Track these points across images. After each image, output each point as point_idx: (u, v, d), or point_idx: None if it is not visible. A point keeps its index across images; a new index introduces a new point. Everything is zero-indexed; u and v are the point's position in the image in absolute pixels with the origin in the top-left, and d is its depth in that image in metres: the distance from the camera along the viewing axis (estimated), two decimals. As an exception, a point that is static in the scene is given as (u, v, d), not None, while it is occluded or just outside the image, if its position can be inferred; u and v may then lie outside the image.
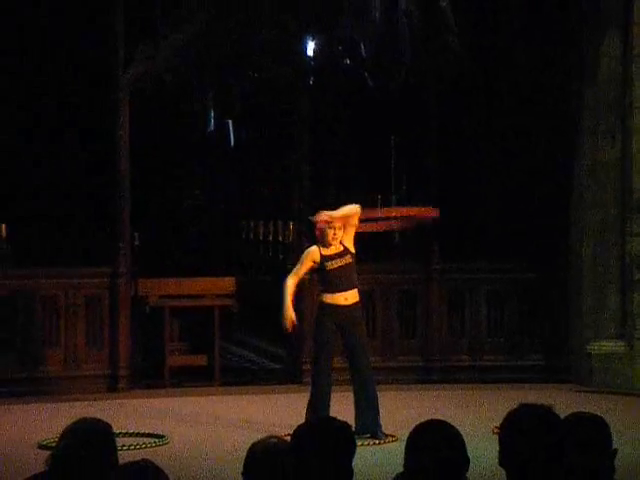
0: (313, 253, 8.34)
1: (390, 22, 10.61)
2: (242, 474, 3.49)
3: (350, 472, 3.39)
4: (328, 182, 12.20)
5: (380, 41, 10.73)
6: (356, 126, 12.04)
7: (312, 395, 8.27)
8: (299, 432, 3.52)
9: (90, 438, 3.44)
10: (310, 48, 11.14)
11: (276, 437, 3.54)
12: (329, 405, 8.20)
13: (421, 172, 11.25)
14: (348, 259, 8.31)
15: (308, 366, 10.69)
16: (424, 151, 11.13)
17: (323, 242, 8.32)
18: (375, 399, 8.26)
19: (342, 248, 8.33)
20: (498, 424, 9.59)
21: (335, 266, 8.29)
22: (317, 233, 8.39)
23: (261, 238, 13.76)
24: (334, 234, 8.27)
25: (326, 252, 8.31)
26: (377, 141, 12.07)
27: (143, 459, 3.18)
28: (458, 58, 10.62)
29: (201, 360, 10.91)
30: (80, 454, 3.40)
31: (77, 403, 9.66)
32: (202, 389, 10.53)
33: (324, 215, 8.32)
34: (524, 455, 3.17)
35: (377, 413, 8.24)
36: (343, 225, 8.28)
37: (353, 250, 8.34)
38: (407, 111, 11.33)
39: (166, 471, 3.28)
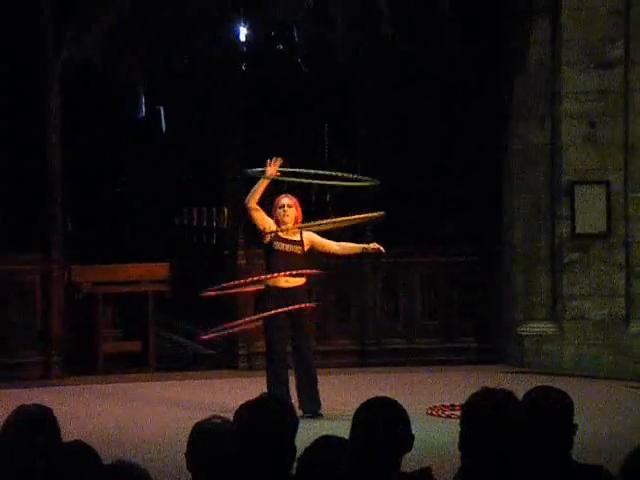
0: (271, 222, 8.40)
1: (323, 6, 10.62)
2: (185, 454, 3.50)
3: (293, 449, 3.41)
4: (262, 166, 12.17)
5: (312, 25, 10.74)
6: (289, 111, 12.04)
7: (268, 382, 8.29)
8: (240, 411, 3.54)
9: (33, 424, 3.44)
10: (242, 33, 11.10)
11: (219, 417, 3.56)
12: (288, 389, 8.22)
13: (354, 159, 11.30)
14: (297, 250, 8.37)
15: (243, 351, 10.73)
16: (357, 138, 11.18)
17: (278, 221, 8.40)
18: (315, 380, 8.36)
19: (298, 238, 8.41)
20: (432, 405, 9.71)
21: (282, 249, 8.35)
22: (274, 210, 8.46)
23: (195, 224, 13.73)
24: (284, 214, 8.35)
25: (282, 234, 8.38)
26: (311, 128, 12.09)
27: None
28: (390, 44, 10.67)
29: (135, 346, 10.87)
30: (25, 440, 3.39)
31: (10, 391, 9.56)
32: (136, 375, 10.49)
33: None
34: (484, 439, 3.20)
35: (317, 393, 8.34)
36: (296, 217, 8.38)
37: (306, 247, 8.42)
38: (340, 96, 11.36)
39: (105, 455, 3.29)
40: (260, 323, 8.63)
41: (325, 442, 3.31)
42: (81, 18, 10.34)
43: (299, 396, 8.26)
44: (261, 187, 8.39)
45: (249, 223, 8.74)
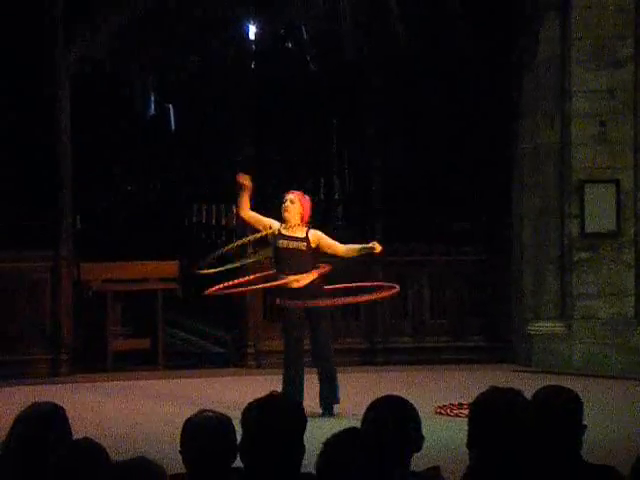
0: (274, 222, 8.37)
1: (332, 4, 10.61)
2: (180, 452, 3.50)
3: (301, 448, 3.40)
4: (272, 165, 12.21)
5: (322, 24, 10.74)
6: (298, 109, 12.05)
7: (283, 380, 8.28)
8: (249, 410, 3.53)
9: (45, 421, 3.45)
10: (252, 32, 11.11)
11: (210, 411, 3.56)
12: (301, 388, 8.23)
13: (363, 155, 11.30)
14: (302, 246, 8.30)
15: (252, 349, 10.73)
16: (366, 135, 11.17)
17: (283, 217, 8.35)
18: (333, 378, 8.38)
19: (303, 235, 8.34)
20: (441, 404, 9.71)
21: (285, 246, 8.30)
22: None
23: (203, 222, 13.74)
24: (284, 209, 8.31)
25: (285, 231, 8.32)
26: (319, 124, 12.09)
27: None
28: (400, 42, 10.66)
29: (144, 344, 10.88)
30: (36, 437, 3.40)
31: (19, 388, 9.58)
32: (145, 373, 10.50)
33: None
34: (492, 437, 3.19)
35: (333, 390, 8.37)
36: (301, 213, 8.30)
37: (313, 245, 8.34)
38: (349, 94, 11.36)
39: (114, 453, 3.30)
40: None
41: (347, 435, 3.29)
42: (93, 18, 10.35)
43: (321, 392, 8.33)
44: (242, 198, 8.36)
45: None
